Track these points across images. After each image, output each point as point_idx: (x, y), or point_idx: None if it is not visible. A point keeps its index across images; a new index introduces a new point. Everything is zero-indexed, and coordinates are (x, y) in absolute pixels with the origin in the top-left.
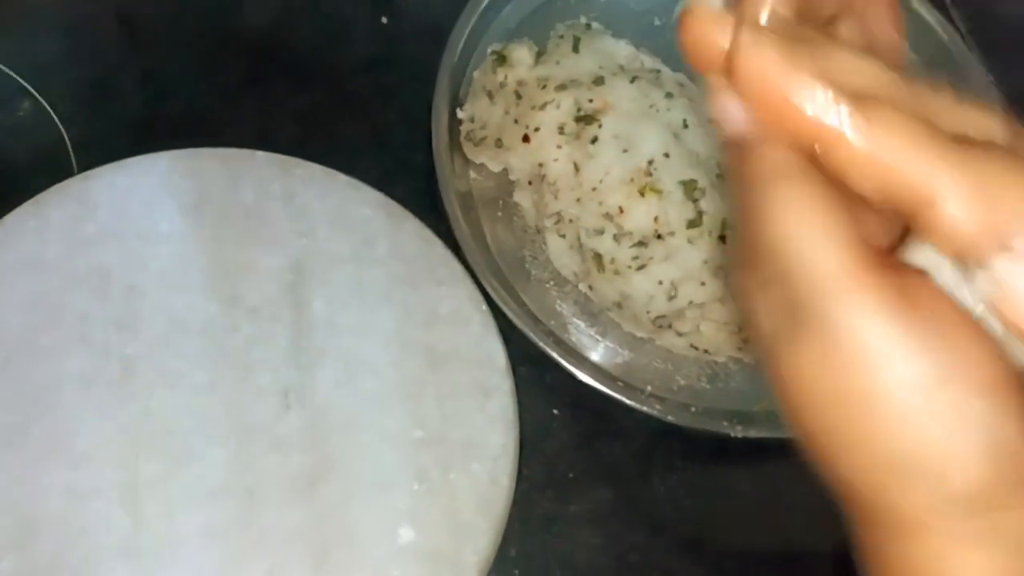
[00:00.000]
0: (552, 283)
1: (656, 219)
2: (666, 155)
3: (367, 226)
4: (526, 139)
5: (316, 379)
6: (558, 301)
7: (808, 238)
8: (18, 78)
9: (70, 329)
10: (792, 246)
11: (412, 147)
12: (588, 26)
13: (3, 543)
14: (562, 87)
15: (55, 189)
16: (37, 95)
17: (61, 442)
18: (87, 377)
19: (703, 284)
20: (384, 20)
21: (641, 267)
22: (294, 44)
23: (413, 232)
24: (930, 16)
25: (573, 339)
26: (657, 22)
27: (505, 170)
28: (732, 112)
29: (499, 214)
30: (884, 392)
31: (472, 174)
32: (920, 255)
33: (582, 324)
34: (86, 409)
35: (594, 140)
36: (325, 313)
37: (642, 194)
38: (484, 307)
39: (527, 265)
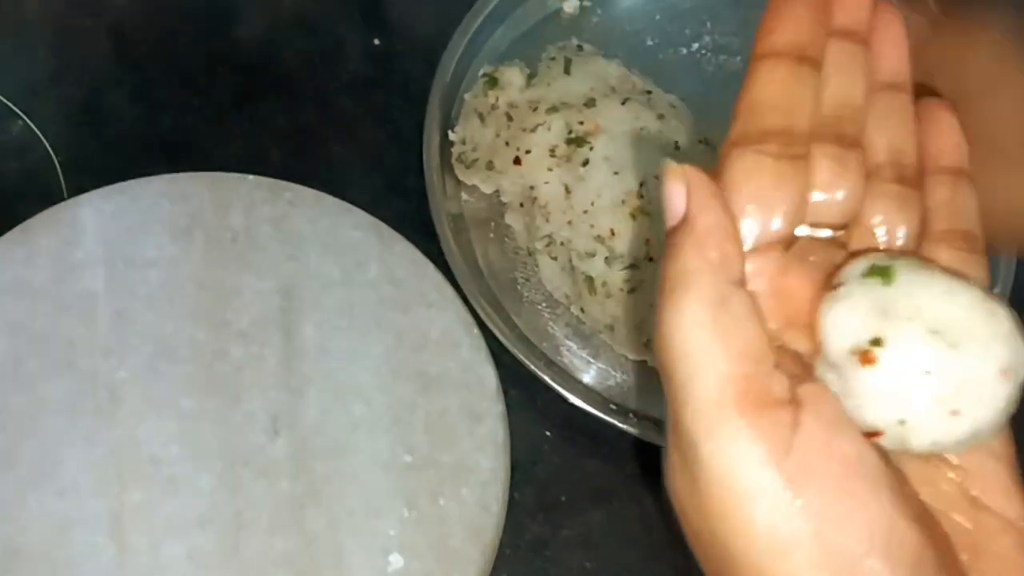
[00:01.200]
0: (544, 305)
1: (648, 241)
2: (657, 177)
3: (358, 249)
4: (517, 161)
5: (305, 404)
6: (550, 323)
7: (693, 361)
8: (6, 100)
9: (57, 355)
10: (681, 366)
11: (403, 169)
12: (580, 48)
13: None
14: (553, 109)
15: (44, 215)
16: (25, 117)
17: (46, 469)
18: (73, 404)
19: None
20: (376, 41)
21: (632, 290)
22: (285, 64)
23: (404, 255)
24: None
25: (565, 361)
26: (649, 42)
27: (497, 192)
28: (676, 200)
29: (491, 235)
30: (744, 540)
31: (464, 195)
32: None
33: (574, 346)
34: (72, 436)
35: (585, 163)
36: (315, 337)
37: (633, 217)
38: (475, 330)
39: (519, 287)
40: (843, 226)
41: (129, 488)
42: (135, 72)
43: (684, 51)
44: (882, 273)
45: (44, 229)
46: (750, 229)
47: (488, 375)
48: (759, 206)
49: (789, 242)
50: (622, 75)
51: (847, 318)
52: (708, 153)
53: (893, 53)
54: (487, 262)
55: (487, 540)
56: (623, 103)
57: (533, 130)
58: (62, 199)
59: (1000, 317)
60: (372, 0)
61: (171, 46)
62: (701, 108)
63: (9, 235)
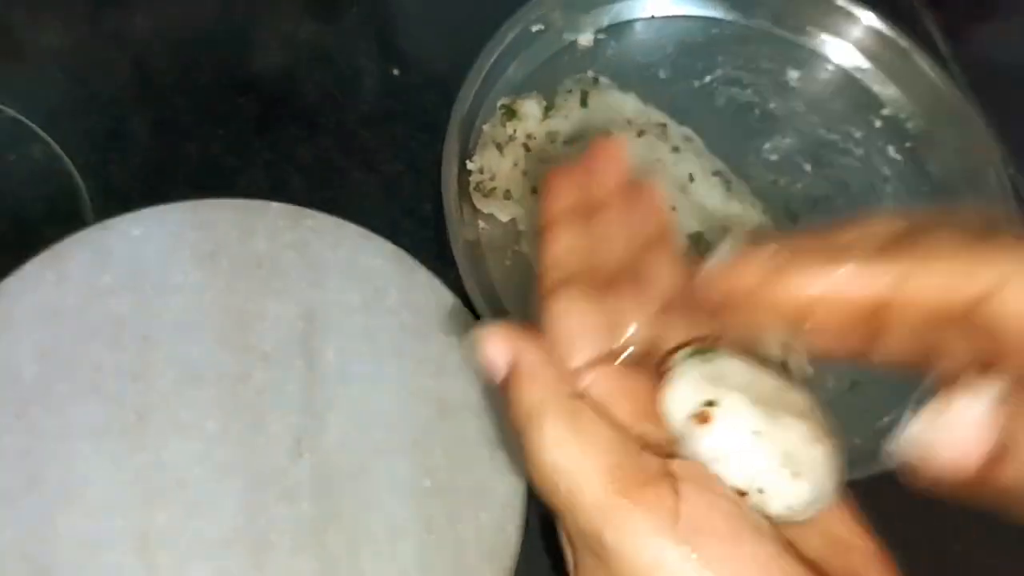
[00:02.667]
0: None
1: None
2: (673, 208)
3: (378, 276)
4: (535, 191)
5: (327, 427)
6: None
7: (569, 471)
8: (34, 126)
9: (85, 379)
10: (561, 481)
11: (420, 197)
12: (595, 80)
13: None
14: (570, 141)
15: (72, 239)
16: (53, 143)
17: (75, 491)
18: (101, 427)
19: None
20: (395, 72)
21: None
22: (305, 94)
23: (423, 283)
24: (930, 70)
25: None
26: (662, 75)
27: (514, 219)
28: (496, 355)
29: (507, 263)
30: None
31: (481, 223)
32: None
33: None
34: (100, 458)
35: None
36: (336, 362)
37: None
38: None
39: (536, 313)
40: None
41: (156, 509)
42: (159, 101)
43: (696, 84)
44: (703, 354)
45: (73, 253)
46: (579, 351)
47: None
48: (579, 333)
49: (618, 354)
50: (638, 108)
51: (681, 391)
52: (721, 185)
53: (648, 212)
54: (504, 288)
55: (505, 564)
56: (639, 135)
57: (550, 161)
58: (88, 224)
59: (802, 394)
60: (390, 32)
61: (194, 77)
62: (714, 139)
63: (38, 259)
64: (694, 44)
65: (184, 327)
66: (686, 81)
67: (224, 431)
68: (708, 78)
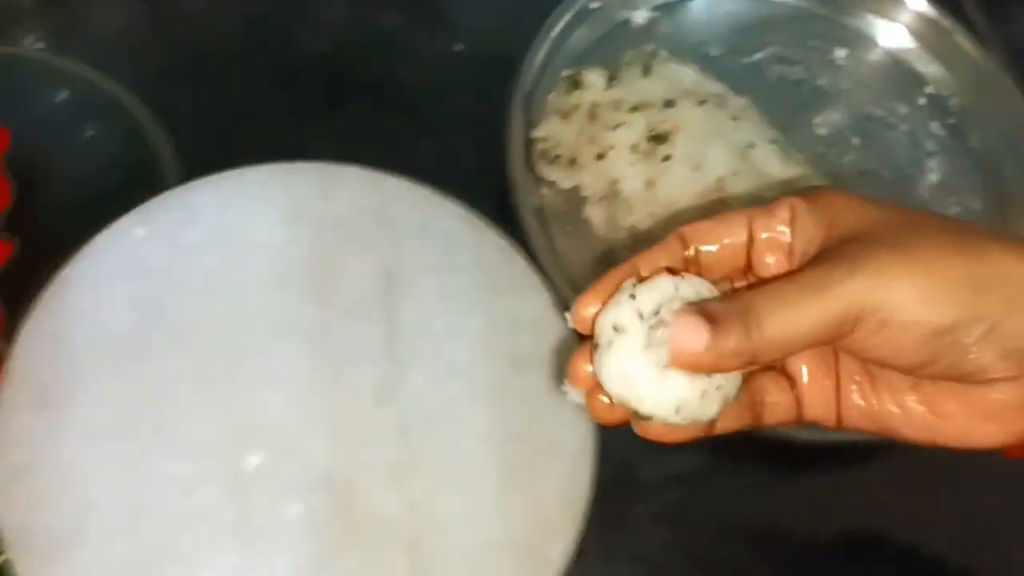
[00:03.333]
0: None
1: None
2: (734, 173)
3: (451, 237)
4: (600, 157)
5: (407, 378)
6: None
7: None
8: (123, 93)
9: (177, 330)
10: None
11: (483, 167)
12: (654, 53)
13: (116, 529)
14: (635, 109)
15: (161, 198)
16: (143, 108)
17: (170, 435)
18: (194, 374)
19: None
20: (457, 47)
21: None
22: (372, 68)
23: (494, 243)
24: (972, 50)
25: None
26: (714, 52)
27: (575, 187)
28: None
29: (569, 229)
30: None
31: (544, 191)
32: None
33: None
34: (193, 404)
35: (666, 158)
36: (414, 317)
37: (714, 209)
38: (562, 314)
39: (597, 276)
40: None
41: (247, 452)
42: (235, 75)
43: (746, 60)
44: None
45: (162, 211)
46: None
47: None
48: None
49: None
50: (697, 79)
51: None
52: (779, 152)
53: None
54: (566, 253)
55: (578, 510)
56: (699, 104)
57: (615, 128)
58: (170, 186)
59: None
60: (453, 9)
61: (267, 52)
62: (764, 114)
63: (129, 216)
64: (744, 23)
65: (270, 282)
66: (737, 58)
67: (310, 380)
68: (758, 55)
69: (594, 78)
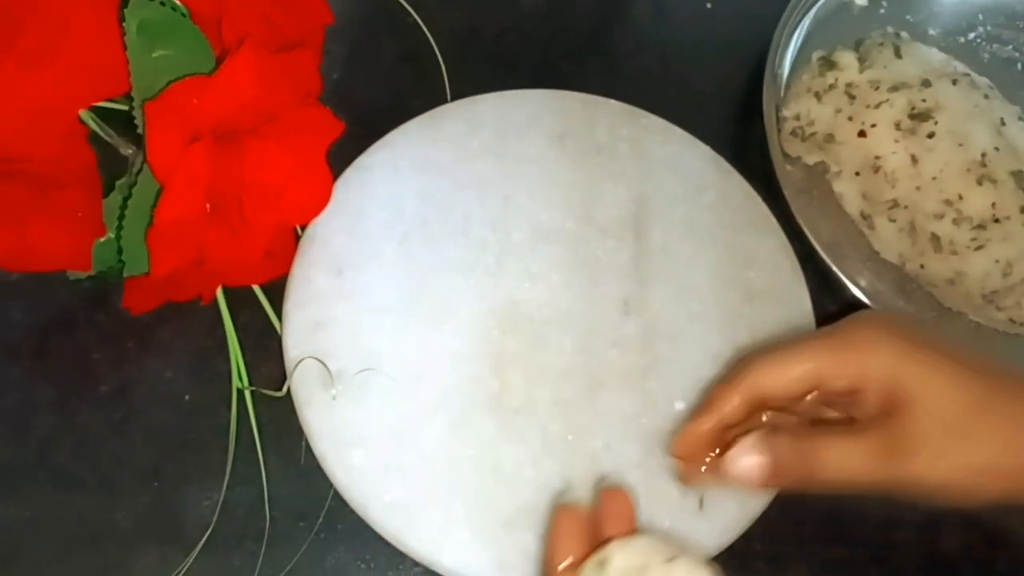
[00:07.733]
0: (868, 262)
1: (993, 205)
2: (996, 148)
3: (699, 175)
4: (862, 134)
5: (651, 294)
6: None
7: None
8: (413, 13)
9: (455, 223)
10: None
11: (726, 118)
12: (898, 34)
13: (398, 389)
14: (894, 88)
15: (447, 107)
16: (425, 29)
17: (444, 313)
18: (467, 264)
19: None
20: (709, 5)
21: (979, 247)
22: (632, 17)
23: (739, 186)
24: None
25: (875, 306)
26: (931, 32)
27: (818, 163)
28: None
29: (813, 202)
30: None
31: (787, 166)
32: None
33: (889, 294)
34: (465, 290)
35: (931, 135)
36: (661, 241)
37: (979, 183)
38: (795, 257)
39: (841, 248)
40: None
41: (508, 337)
42: (511, 9)
43: (961, 40)
44: (600, 564)
45: (449, 118)
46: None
47: (803, 296)
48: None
49: None
50: (944, 60)
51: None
52: None
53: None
54: (809, 225)
55: None
56: (954, 83)
57: (877, 107)
58: (446, 100)
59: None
60: None
61: None
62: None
63: (417, 120)
64: (956, 3)
65: (537, 192)
66: (952, 38)
67: (566, 283)
68: (972, 35)
69: (847, 59)
